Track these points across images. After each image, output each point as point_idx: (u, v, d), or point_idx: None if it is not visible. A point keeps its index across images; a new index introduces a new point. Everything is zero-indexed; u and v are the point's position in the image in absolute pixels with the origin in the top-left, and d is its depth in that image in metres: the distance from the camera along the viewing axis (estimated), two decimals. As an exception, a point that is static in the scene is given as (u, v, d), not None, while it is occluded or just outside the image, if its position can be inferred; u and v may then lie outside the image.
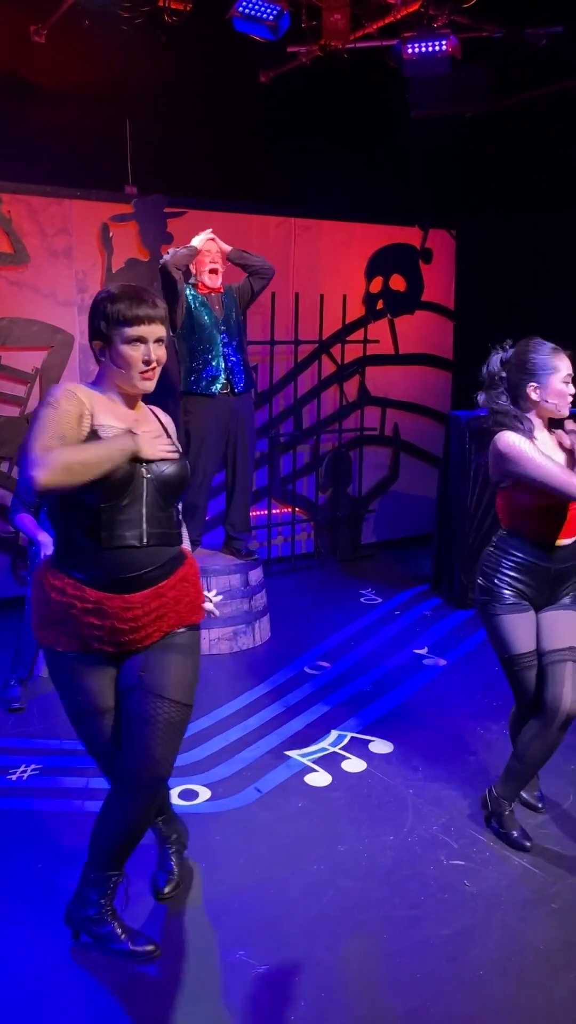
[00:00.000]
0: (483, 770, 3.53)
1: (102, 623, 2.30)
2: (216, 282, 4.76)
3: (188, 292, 4.73)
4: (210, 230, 4.74)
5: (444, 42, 5.09)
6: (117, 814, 2.39)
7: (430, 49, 5.14)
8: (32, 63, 5.26)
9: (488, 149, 6.87)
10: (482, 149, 6.92)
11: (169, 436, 2.46)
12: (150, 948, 2.41)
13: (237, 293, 4.87)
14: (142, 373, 2.31)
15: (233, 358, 4.80)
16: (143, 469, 2.29)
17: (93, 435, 2.24)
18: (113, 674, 2.40)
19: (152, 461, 2.31)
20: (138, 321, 2.27)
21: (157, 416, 2.53)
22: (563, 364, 2.81)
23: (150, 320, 2.29)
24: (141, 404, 2.45)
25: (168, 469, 2.35)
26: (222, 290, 4.82)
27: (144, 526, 2.31)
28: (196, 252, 4.66)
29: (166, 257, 4.59)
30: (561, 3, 5.29)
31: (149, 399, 2.45)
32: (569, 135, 6.12)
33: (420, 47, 5.15)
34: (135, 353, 2.29)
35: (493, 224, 6.81)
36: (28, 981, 2.39)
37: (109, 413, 2.31)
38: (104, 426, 2.27)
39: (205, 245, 4.71)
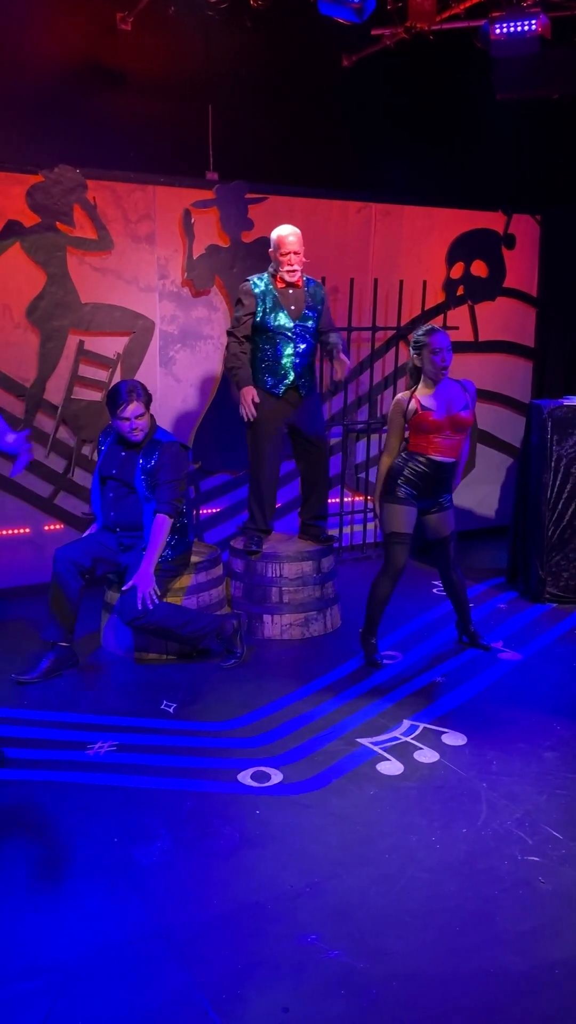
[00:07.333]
0: (559, 766, 3.45)
1: None
2: (295, 277, 4.54)
3: (261, 286, 4.56)
4: None
5: (534, 21, 4.96)
6: None
7: (519, 29, 5.01)
8: (118, 51, 5.32)
9: (576, 132, 6.68)
10: (569, 132, 6.72)
11: None
12: None
13: (322, 304, 4.70)
14: None
15: (302, 362, 4.65)
16: None
17: None
18: None
19: None
20: None
21: None
22: None
23: None
24: None
25: None
26: (302, 284, 4.63)
27: None
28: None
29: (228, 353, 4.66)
30: None
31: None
32: None
33: (509, 27, 5.02)
34: None
35: (580, 209, 6.62)
36: (104, 951, 2.45)
37: None
38: None
39: (287, 237, 4.48)
